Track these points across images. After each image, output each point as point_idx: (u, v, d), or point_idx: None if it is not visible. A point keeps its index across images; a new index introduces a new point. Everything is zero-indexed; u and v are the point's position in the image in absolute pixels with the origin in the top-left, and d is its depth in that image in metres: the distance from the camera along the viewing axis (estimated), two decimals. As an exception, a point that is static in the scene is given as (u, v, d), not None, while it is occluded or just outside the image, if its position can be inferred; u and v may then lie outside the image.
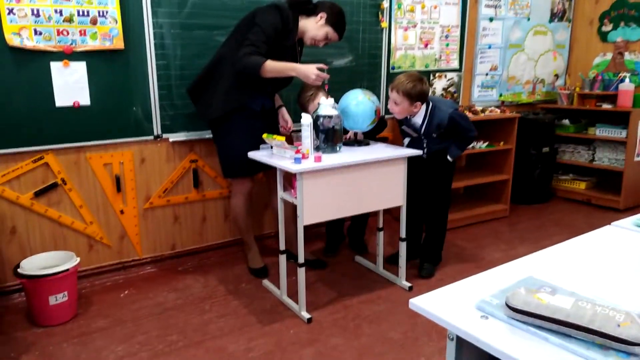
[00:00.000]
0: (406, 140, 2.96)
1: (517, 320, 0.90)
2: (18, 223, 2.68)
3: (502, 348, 0.86)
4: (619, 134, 4.28)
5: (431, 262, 3.02)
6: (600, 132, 4.42)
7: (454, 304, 1.01)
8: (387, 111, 3.66)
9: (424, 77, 2.74)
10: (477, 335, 0.90)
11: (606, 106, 4.42)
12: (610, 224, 1.50)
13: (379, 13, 3.62)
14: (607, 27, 4.67)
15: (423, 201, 3.00)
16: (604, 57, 4.71)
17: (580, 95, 4.66)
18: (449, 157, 2.86)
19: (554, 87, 4.92)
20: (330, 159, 2.41)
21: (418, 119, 2.79)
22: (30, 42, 2.50)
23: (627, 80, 4.38)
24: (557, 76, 4.95)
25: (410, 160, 2.68)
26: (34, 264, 2.50)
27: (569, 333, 0.85)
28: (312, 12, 2.76)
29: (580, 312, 0.84)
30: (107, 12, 2.66)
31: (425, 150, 2.84)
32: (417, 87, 2.65)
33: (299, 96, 3.04)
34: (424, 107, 2.76)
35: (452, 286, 1.10)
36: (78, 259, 2.52)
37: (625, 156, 4.22)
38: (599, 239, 1.38)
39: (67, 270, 2.42)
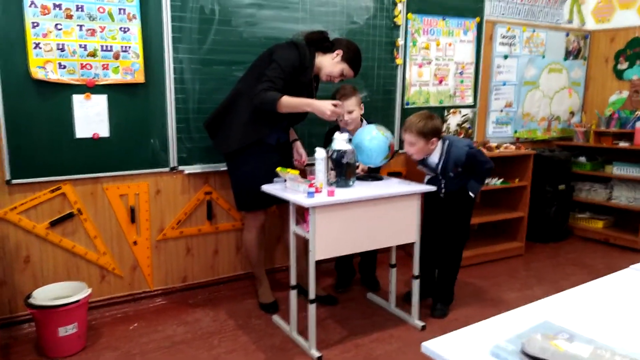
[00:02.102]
0: (426, 178, 2.96)
1: (534, 368, 0.87)
2: (32, 252, 2.70)
3: (518, 397, 0.83)
4: (637, 172, 4.22)
5: (444, 302, 2.96)
6: (618, 170, 4.36)
7: (468, 349, 0.98)
8: (400, 146, 3.68)
9: (435, 114, 2.75)
10: (492, 383, 0.87)
11: (623, 144, 4.38)
12: (629, 266, 1.46)
13: (394, 50, 3.68)
14: (623, 66, 4.67)
15: (438, 239, 2.96)
16: (620, 95, 4.70)
17: (596, 132, 4.63)
18: (471, 194, 2.83)
19: (570, 125, 4.90)
20: (343, 194, 2.41)
21: (434, 158, 2.78)
22: (54, 75, 2.58)
23: (644, 118, 4.34)
24: (572, 113, 4.93)
25: (428, 198, 2.67)
26: (46, 294, 2.50)
27: (587, 383, 0.82)
28: (328, 49, 2.81)
29: (599, 362, 0.81)
30: (129, 47, 2.74)
31: (443, 190, 2.82)
32: (429, 124, 2.66)
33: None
34: (439, 145, 2.76)
35: (466, 329, 1.07)
36: (89, 290, 2.52)
37: (644, 195, 4.14)
38: (619, 283, 1.34)
39: (78, 301, 2.42)
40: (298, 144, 3.02)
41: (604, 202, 4.51)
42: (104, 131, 2.75)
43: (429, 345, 1.00)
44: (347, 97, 2.90)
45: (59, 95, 2.61)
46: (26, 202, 2.64)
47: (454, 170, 2.76)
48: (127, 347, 2.52)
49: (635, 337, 1.04)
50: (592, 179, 4.61)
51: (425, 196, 2.83)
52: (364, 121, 3.06)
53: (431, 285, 3.04)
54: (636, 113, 4.48)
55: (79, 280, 2.66)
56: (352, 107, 2.92)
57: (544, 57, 4.58)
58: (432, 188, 2.67)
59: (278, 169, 2.56)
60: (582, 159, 4.64)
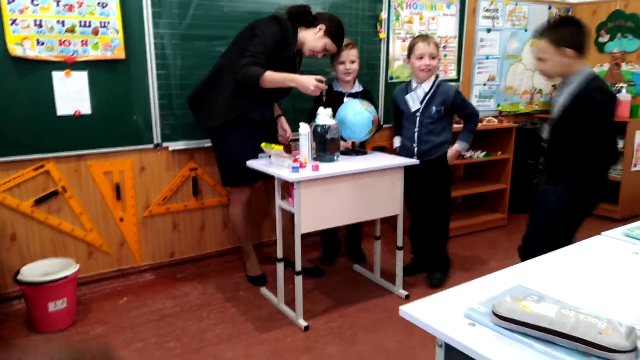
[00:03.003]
0: (396, 141, 3.00)
1: (504, 327, 0.93)
2: (18, 230, 2.71)
3: (488, 355, 0.88)
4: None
5: (442, 270, 3.03)
6: (597, 142, 4.44)
7: (443, 312, 1.04)
8: (385, 121, 3.71)
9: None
10: (464, 343, 0.92)
11: (603, 116, 4.45)
12: (603, 233, 1.52)
13: (377, 24, 3.67)
14: (604, 38, 4.71)
15: (422, 210, 3.02)
16: (601, 68, 4.75)
17: (577, 105, 4.69)
18: (459, 147, 2.88)
19: (552, 98, 4.96)
20: (327, 168, 2.44)
21: (426, 86, 2.82)
22: (32, 52, 2.54)
23: (623, 90, 4.42)
24: (554, 87, 4.98)
25: (407, 171, 2.70)
26: (33, 271, 2.52)
27: (553, 340, 0.87)
28: (311, 23, 2.80)
29: (563, 320, 0.86)
30: (108, 22, 2.70)
31: (416, 147, 2.86)
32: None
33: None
34: (431, 78, 2.81)
35: (442, 294, 1.13)
36: (77, 266, 2.55)
37: (622, 166, 4.24)
38: (589, 249, 1.41)
39: (67, 277, 2.45)
40: (282, 119, 3.03)
41: (584, 173, 4.59)
42: (85, 108, 2.73)
43: (406, 309, 1.05)
44: (353, 46, 2.98)
45: (38, 72, 2.58)
46: (10, 181, 2.63)
47: (437, 106, 2.79)
48: (116, 322, 2.56)
49: (600, 298, 1.10)
50: (573, 151, 4.68)
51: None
52: (356, 81, 3.09)
53: (423, 259, 3.10)
54: (617, 85, 4.54)
55: (67, 257, 2.68)
56: (355, 57, 2.99)
57: (526, 30, 4.60)
58: (415, 161, 2.71)
59: (262, 145, 2.58)
60: (563, 131, 4.71)
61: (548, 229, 2.19)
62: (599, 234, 1.52)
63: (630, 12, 4.49)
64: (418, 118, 2.84)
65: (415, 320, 1.02)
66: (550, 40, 2.09)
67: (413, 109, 2.86)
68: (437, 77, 2.85)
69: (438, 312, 1.04)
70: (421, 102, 2.83)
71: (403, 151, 2.94)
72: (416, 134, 2.86)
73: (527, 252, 2.16)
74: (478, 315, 0.98)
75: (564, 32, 2.09)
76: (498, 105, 4.61)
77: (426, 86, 2.82)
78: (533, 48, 2.35)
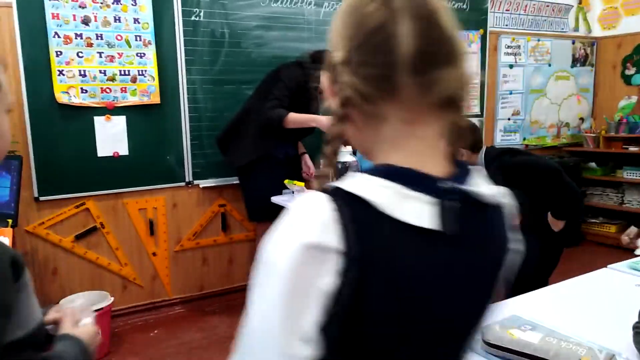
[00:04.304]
0: None
1: (492, 354, 0.99)
2: (60, 264, 2.89)
3: (478, 380, 0.94)
4: (646, 176, 4.24)
5: None
6: (628, 174, 4.39)
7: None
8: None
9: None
10: (456, 368, 0.98)
11: (633, 149, 4.40)
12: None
13: (399, 64, 3.80)
14: (630, 71, 4.71)
15: None
16: (629, 100, 4.73)
17: (606, 138, 4.66)
18: None
19: (580, 131, 4.94)
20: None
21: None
22: (77, 99, 2.78)
23: (652, 122, 4.37)
24: (582, 119, 4.97)
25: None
26: (72, 303, 2.68)
27: (536, 366, 0.92)
28: (332, 66, 2.95)
29: (546, 347, 0.92)
30: (146, 71, 2.93)
31: None
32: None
33: None
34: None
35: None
36: (112, 299, 2.69)
37: (653, 199, 4.16)
38: (593, 281, 1.44)
39: (101, 309, 2.59)
40: (306, 156, 3.17)
41: (616, 206, 4.53)
42: (123, 149, 2.94)
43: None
44: None
45: (81, 117, 2.81)
46: (53, 218, 2.83)
47: None
48: (148, 353, 2.68)
49: (594, 327, 1.14)
50: (603, 184, 4.63)
51: None
52: None
53: None
54: (645, 117, 4.50)
55: (103, 290, 2.84)
56: None
57: (550, 65, 4.65)
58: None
59: (286, 181, 2.71)
60: (593, 164, 4.67)
61: None
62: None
63: (656, 45, 4.49)
64: None
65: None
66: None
67: None
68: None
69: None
70: None
71: None
72: None
73: None
74: (470, 343, 1.04)
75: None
76: (524, 139, 4.63)
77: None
78: None
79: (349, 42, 0.62)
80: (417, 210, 0.56)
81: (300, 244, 0.54)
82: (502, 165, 2.39)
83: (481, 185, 0.64)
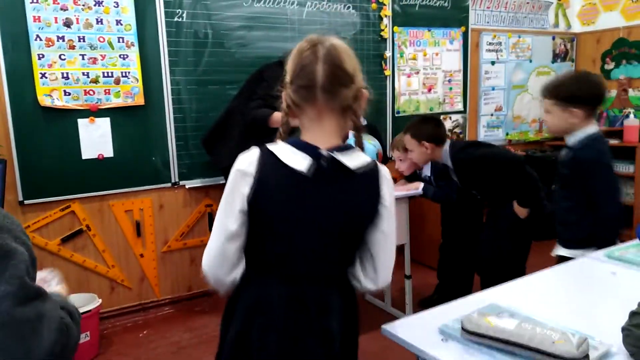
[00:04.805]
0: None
1: (472, 341, 1.02)
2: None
3: (457, 366, 0.98)
4: (626, 169, 4.33)
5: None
6: (609, 167, 4.47)
7: (422, 330, 1.13)
8: (388, 153, 3.83)
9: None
10: (436, 356, 1.02)
11: (613, 142, 4.48)
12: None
13: (382, 62, 3.84)
14: (610, 66, 4.80)
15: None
16: (608, 95, 4.81)
17: (586, 132, 4.74)
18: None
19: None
20: (333, 201, 2.56)
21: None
22: (60, 102, 2.77)
23: (631, 116, 4.47)
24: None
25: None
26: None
27: (513, 351, 0.96)
28: (316, 65, 2.97)
29: (521, 332, 0.95)
30: (129, 72, 2.93)
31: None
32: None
33: None
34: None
35: (423, 314, 1.22)
36: (100, 301, 2.69)
37: (634, 190, 4.25)
38: (570, 270, 1.48)
39: (89, 311, 2.59)
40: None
41: (598, 199, 4.60)
42: (108, 151, 2.93)
43: (387, 328, 1.15)
44: None
45: (65, 120, 2.80)
46: (39, 221, 2.82)
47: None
48: (137, 354, 2.68)
49: (570, 313, 1.17)
50: (585, 177, 4.71)
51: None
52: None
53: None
54: (624, 111, 4.60)
55: (91, 292, 2.83)
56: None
57: (531, 61, 4.72)
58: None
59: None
60: (574, 157, 4.74)
61: None
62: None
63: (634, 40, 4.58)
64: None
65: (394, 337, 1.12)
66: (412, 135, 2.64)
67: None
68: None
69: (417, 329, 1.13)
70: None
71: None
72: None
73: None
74: (450, 331, 1.07)
75: (423, 129, 2.61)
76: (507, 134, 4.69)
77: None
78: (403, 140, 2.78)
79: (292, 72, 1.11)
80: (297, 161, 1.06)
81: (237, 170, 1.09)
82: (467, 157, 2.55)
83: (350, 157, 1.08)
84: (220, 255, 1.11)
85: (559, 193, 2.03)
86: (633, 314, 0.97)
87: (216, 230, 1.11)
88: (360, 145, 1.13)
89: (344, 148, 1.09)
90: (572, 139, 1.93)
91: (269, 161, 1.06)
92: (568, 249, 1.97)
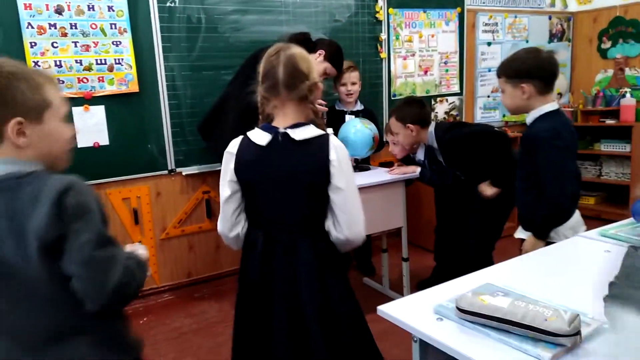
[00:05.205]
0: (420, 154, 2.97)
1: (466, 320, 1.03)
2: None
3: (452, 345, 0.99)
4: (623, 148, 4.34)
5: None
6: (605, 147, 4.48)
7: (417, 310, 1.14)
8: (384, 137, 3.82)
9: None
10: (431, 335, 1.03)
11: (609, 121, 4.49)
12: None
13: (378, 44, 3.82)
14: (607, 45, 4.77)
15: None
16: (605, 74, 4.80)
17: (583, 112, 4.74)
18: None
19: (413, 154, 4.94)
20: (329, 185, 2.57)
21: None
22: (54, 90, 2.75)
23: (628, 95, 4.46)
24: (560, 94, 5.04)
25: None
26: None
27: (506, 329, 0.97)
28: (312, 49, 2.95)
29: (515, 310, 0.96)
30: (122, 59, 2.91)
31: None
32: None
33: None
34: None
35: (419, 294, 1.23)
36: (100, 288, 2.71)
37: (630, 170, 4.26)
38: (565, 249, 1.49)
39: (90, 298, 2.61)
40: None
41: (595, 178, 4.63)
42: (103, 140, 2.93)
43: (383, 309, 1.16)
44: (354, 69, 3.17)
45: (59, 108, 2.78)
46: (36, 210, 2.82)
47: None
48: (137, 340, 2.70)
49: (564, 291, 1.19)
50: (582, 157, 4.72)
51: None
52: (358, 101, 3.25)
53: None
54: (621, 90, 4.58)
55: (90, 280, 2.84)
56: (356, 79, 3.18)
57: (527, 41, 4.69)
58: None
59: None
60: (571, 138, 4.75)
61: None
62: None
63: (631, 18, 4.55)
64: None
65: (391, 318, 1.13)
66: (396, 118, 2.69)
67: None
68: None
69: (413, 310, 1.15)
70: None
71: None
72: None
73: None
74: (445, 311, 1.09)
75: (407, 111, 2.65)
76: (504, 116, 4.69)
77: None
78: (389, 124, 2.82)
79: (262, 73, 1.49)
80: (261, 138, 1.48)
81: (226, 152, 1.54)
82: (453, 137, 2.57)
83: (300, 132, 1.45)
84: (223, 214, 1.58)
85: (518, 173, 1.96)
86: (611, 284, 0.98)
87: (220, 199, 1.57)
88: (317, 123, 1.51)
89: (296, 125, 1.46)
90: (528, 118, 1.90)
91: (245, 142, 1.51)
92: (527, 231, 1.93)
